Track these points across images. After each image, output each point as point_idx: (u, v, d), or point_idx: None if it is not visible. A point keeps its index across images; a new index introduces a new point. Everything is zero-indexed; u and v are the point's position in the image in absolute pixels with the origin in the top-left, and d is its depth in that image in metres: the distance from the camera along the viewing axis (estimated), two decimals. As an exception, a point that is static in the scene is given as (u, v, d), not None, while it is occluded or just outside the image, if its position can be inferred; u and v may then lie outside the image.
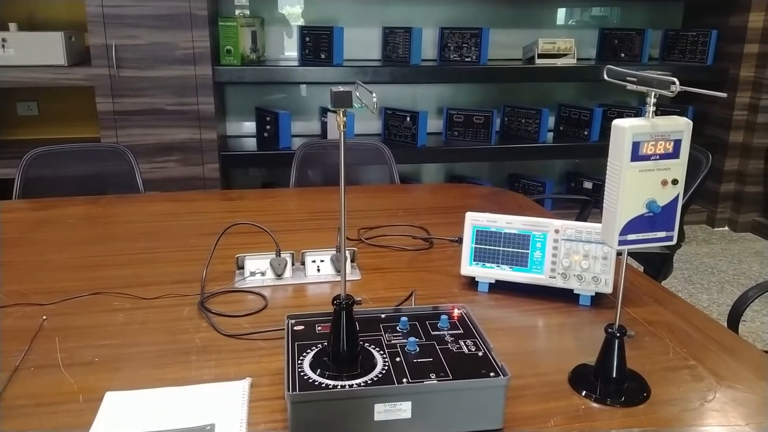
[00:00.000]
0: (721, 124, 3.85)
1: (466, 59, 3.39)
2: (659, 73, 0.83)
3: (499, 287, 1.30)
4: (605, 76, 0.90)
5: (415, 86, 3.68)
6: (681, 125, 0.85)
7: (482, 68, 3.36)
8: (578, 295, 1.25)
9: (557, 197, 3.79)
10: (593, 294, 1.25)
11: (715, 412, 0.93)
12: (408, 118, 3.37)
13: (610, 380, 0.96)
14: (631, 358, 0.99)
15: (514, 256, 1.29)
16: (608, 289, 1.23)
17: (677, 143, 0.85)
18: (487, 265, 1.30)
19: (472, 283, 1.33)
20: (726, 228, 3.98)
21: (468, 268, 1.32)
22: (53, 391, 0.96)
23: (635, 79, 0.85)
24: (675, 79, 0.78)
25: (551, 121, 3.75)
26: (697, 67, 3.61)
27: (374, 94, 0.77)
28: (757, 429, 0.87)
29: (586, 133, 3.57)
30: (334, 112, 0.80)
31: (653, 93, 0.83)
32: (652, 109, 0.84)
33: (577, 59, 3.55)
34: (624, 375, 0.97)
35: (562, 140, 3.64)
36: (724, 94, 0.83)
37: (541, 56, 3.46)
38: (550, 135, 3.72)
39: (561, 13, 3.79)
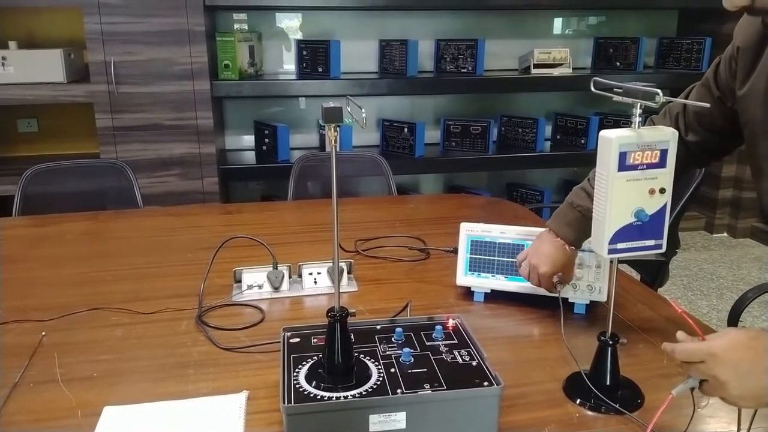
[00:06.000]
0: (718, 130, 3.85)
1: (463, 70, 3.41)
2: (645, 84, 0.84)
3: (495, 297, 1.31)
4: (592, 88, 0.91)
5: (413, 98, 3.70)
6: (667, 135, 0.86)
7: (478, 79, 3.38)
8: (573, 303, 1.26)
9: (555, 206, 3.80)
10: (587, 302, 1.26)
11: (709, 418, 0.94)
12: (405, 130, 3.38)
13: (604, 388, 0.97)
14: (625, 366, 1.00)
15: (508, 266, 1.30)
16: (602, 297, 1.24)
17: (664, 153, 0.86)
18: (483, 275, 1.31)
19: (467, 293, 1.34)
20: (725, 234, 3.98)
21: (463, 278, 1.33)
22: (52, 406, 0.97)
23: (621, 91, 0.86)
24: (659, 90, 0.80)
25: (548, 130, 3.76)
26: (692, 75, 3.63)
27: (363, 110, 0.79)
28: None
29: (583, 141, 3.59)
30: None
31: (639, 104, 0.84)
32: (638, 119, 0.85)
33: (573, 68, 3.57)
34: (618, 382, 0.98)
35: (559, 149, 3.65)
36: (707, 105, 0.84)
37: (536, 66, 3.48)
38: (548, 144, 3.74)
39: (556, 23, 3.82)
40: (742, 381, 0.76)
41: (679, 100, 0.91)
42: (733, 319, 1.50)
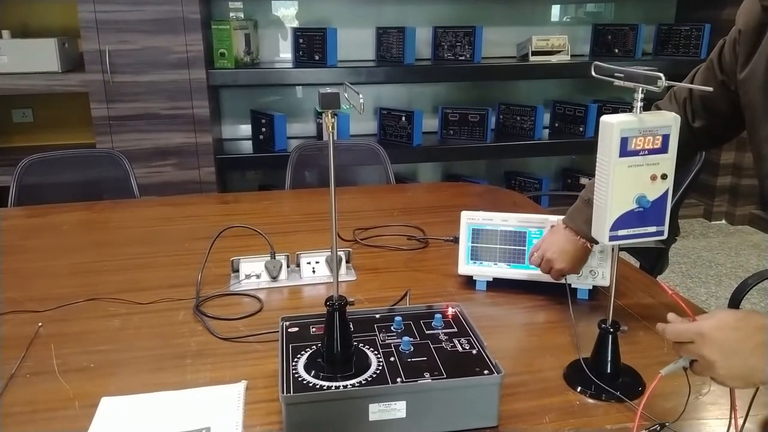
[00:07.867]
0: (717, 117, 3.84)
1: (460, 58, 3.39)
2: (646, 68, 0.83)
3: (497, 285, 1.30)
4: (593, 73, 0.90)
5: (410, 86, 3.68)
6: (669, 120, 0.85)
7: (476, 66, 3.36)
8: (576, 288, 1.25)
9: (554, 194, 3.80)
10: (590, 287, 1.25)
11: (710, 405, 0.93)
12: (403, 118, 3.37)
13: (604, 375, 0.96)
14: (625, 353, 0.99)
15: (510, 253, 1.29)
16: (605, 282, 1.23)
17: (665, 138, 0.85)
18: (484, 263, 1.30)
19: (467, 281, 1.33)
20: (723, 221, 3.98)
21: (465, 267, 1.32)
22: (49, 397, 0.96)
23: (622, 75, 0.85)
24: (661, 74, 0.78)
25: (546, 117, 3.74)
26: (691, 61, 3.61)
27: (361, 95, 0.78)
28: (752, 421, 0.87)
29: (581, 129, 3.57)
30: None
31: (640, 88, 0.83)
32: (639, 104, 0.84)
33: (571, 55, 3.55)
34: (618, 370, 0.97)
35: (558, 137, 3.64)
36: (710, 89, 0.83)
37: (534, 53, 3.46)
38: (546, 132, 3.72)
39: (554, 10, 3.79)
40: (729, 360, 0.77)
41: (684, 84, 0.90)
42: (733, 306, 1.50)
